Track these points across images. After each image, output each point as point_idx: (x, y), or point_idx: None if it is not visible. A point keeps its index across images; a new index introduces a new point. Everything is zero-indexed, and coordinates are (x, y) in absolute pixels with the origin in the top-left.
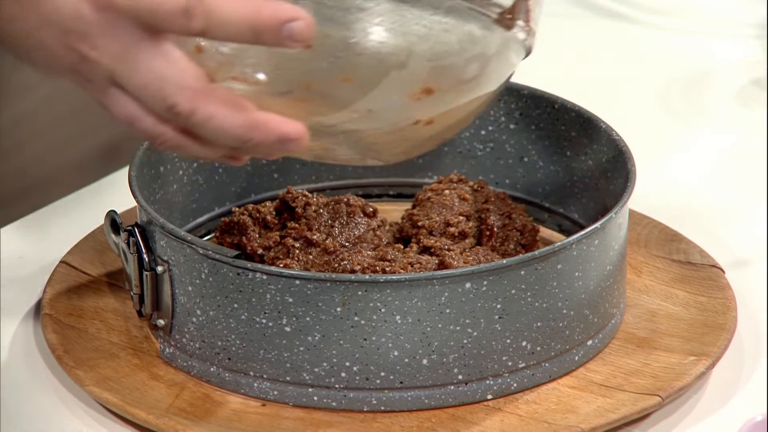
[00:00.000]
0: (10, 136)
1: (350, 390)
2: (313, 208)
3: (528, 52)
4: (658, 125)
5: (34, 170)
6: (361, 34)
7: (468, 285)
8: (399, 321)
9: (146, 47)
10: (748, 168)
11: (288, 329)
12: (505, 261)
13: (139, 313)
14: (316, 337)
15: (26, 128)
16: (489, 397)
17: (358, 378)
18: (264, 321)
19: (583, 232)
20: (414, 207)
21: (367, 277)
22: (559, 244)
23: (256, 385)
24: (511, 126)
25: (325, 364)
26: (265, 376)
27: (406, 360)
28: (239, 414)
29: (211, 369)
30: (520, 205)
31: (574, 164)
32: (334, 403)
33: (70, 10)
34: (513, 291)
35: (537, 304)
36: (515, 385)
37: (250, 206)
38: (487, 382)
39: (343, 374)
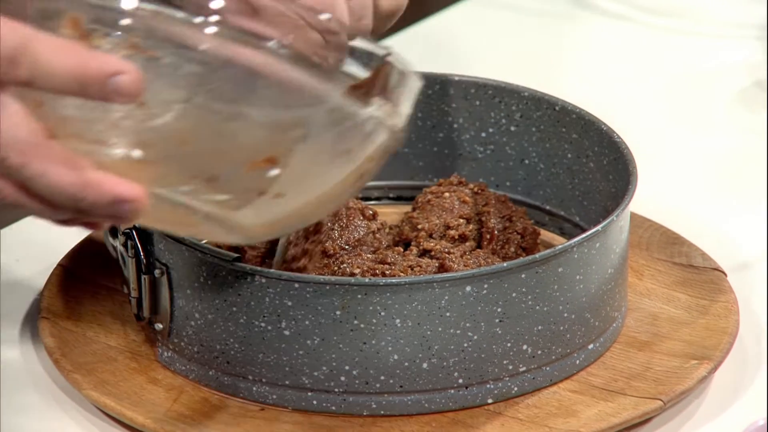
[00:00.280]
0: None
1: (350, 394)
2: None
3: (393, 132)
4: (659, 127)
5: None
6: (199, 93)
7: (468, 288)
8: (399, 324)
9: None
10: (751, 170)
11: (287, 333)
12: (505, 264)
13: (137, 317)
14: (316, 341)
15: None
16: (489, 401)
17: (357, 382)
18: (263, 324)
19: (584, 235)
20: (414, 210)
21: (366, 280)
22: (560, 247)
23: (254, 389)
24: (512, 128)
25: (324, 368)
26: (264, 380)
27: (406, 364)
28: (238, 418)
29: (210, 373)
30: (520, 207)
31: (575, 167)
32: (333, 407)
33: None
34: (514, 294)
35: (538, 307)
36: (516, 389)
37: None
38: (488, 386)
39: (342, 378)
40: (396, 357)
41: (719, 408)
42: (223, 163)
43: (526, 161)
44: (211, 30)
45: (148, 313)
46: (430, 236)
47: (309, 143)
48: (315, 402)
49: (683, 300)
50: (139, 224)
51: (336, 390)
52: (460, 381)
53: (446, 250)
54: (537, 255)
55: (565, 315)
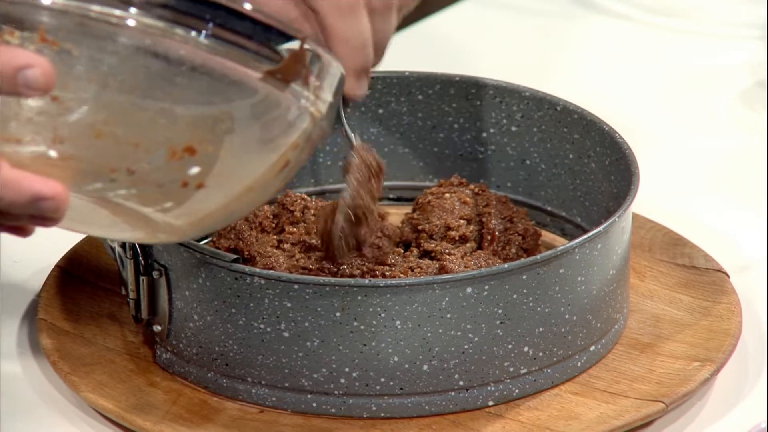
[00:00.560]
0: None
1: (349, 396)
2: (312, 211)
3: (315, 119)
4: (661, 128)
5: None
6: (111, 84)
7: (469, 290)
8: (399, 326)
9: None
10: (753, 171)
11: (286, 334)
12: (506, 265)
13: (136, 319)
14: (315, 343)
15: None
16: (490, 403)
17: (357, 384)
18: (262, 326)
19: (586, 236)
20: (414, 211)
21: (366, 281)
22: (561, 248)
23: (254, 391)
24: (513, 128)
25: (324, 370)
26: (263, 382)
27: (407, 366)
28: (237, 421)
29: (209, 375)
30: (521, 208)
31: (576, 167)
32: (333, 410)
33: None
34: (515, 296)
35: (539, 309)
36: (517, 391)
37: None
38: (489, 388)
39: (342, 380)
40: (396, 359)
41: (722, 410)
42: (141, 155)
43: (527, 162)
44: (124, 21)
45: (146, 314)
46: (431, 237)
47: (230, 133)
48: (314, 404)
49: (686, 301)
50: (63, 226)
51: (336, 392)
52: (461, 383)
53: (447, 251)
54: (538, 256)
55: (567, 316)
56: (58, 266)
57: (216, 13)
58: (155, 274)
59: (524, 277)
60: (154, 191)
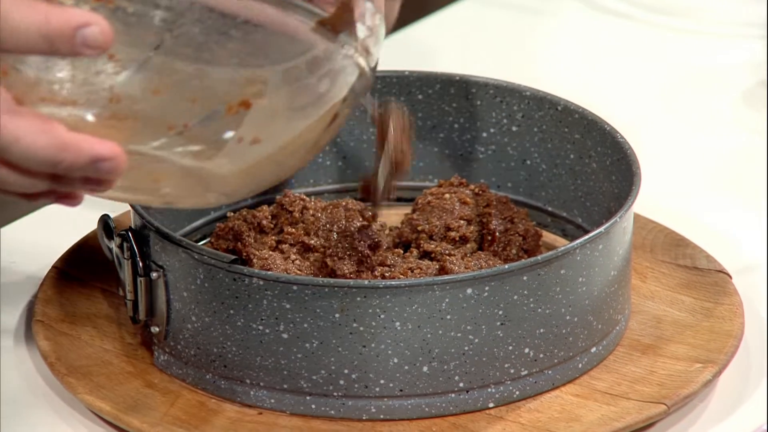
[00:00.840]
0: None
1: (349, 398)
2: (311, 212)
3: (364, 72)
4: (663, 127)
5: None
6: (167, 40)
7: (469, 291)
8: (399, 327)
9: None
10: (755, 171)
11: (285, 336)
12: (507, 266)
13: (133, 320)
14: (314, 344)
15: None
16: (491, 405)
17: (356, 386)
18: (261, 327)
19: (587, 237)
20: (414, 211)
21: (366, 282)
22: (562, 248)
23: (252, 393)
24: (513, 128)
25: (323, 372)
26: (261, 383)
27: (406, 367)
28: (235, 423)
29: (207, 376)
30: (522, 209)
31: (577, 167)
32: (332, 412)
33: None
34: (515, 297)
35: (540, 310)
36: (517, 392)
37: (245, 211)
38: (489, 389)
39: (341, 382)
40: (396, 360)
41: (724, 412)
42: (198, 110)
43: (528, 162)
44: None
45: (144, 315)
46: (431, 238)
47: (284, 86)
48: (313, 406)
49: (687, 302)
50: (107, 195)
51: (335, 394)
52: (461, 385)
53: (447, 251)
54: (539, 257)
55: (568, 318)
56: (55, 267)
57: None
58: (153, 275)
59: (525, 278)
60: (211, 147)
